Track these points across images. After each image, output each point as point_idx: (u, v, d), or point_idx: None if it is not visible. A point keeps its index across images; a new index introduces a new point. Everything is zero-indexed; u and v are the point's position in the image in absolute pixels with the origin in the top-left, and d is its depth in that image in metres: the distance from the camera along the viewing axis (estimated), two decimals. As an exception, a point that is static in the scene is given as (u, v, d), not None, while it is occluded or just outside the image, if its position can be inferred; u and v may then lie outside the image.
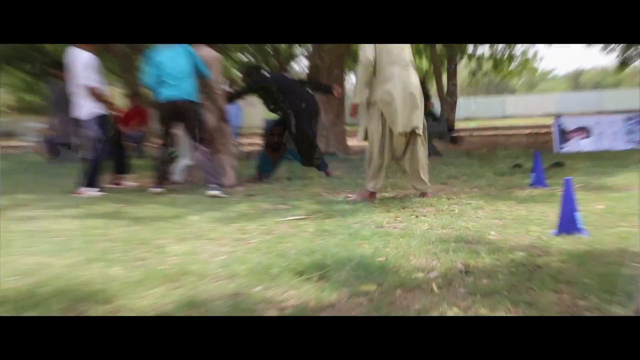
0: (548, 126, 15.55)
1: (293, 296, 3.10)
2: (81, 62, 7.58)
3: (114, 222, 5.45)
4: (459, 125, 31.45)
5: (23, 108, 45.19)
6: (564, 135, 11.53)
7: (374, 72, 6.15)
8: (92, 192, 7.51)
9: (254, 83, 9.32)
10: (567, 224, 4.18)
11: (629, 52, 25.67)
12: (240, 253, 4.06)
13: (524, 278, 3.22)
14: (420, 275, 3.36)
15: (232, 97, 9.51)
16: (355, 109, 6.37)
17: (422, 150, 6.26)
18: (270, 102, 9.23)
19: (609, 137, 11.35)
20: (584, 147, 11.24)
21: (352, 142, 14.25)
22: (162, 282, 3.43)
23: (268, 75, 9.67)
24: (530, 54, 32.18)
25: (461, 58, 30.89)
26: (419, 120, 6.16)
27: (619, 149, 11.00)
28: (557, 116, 12.36)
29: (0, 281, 3.57)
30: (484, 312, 2.74)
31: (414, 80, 6.31)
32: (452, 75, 29.20)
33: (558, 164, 8.61)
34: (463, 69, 35.70)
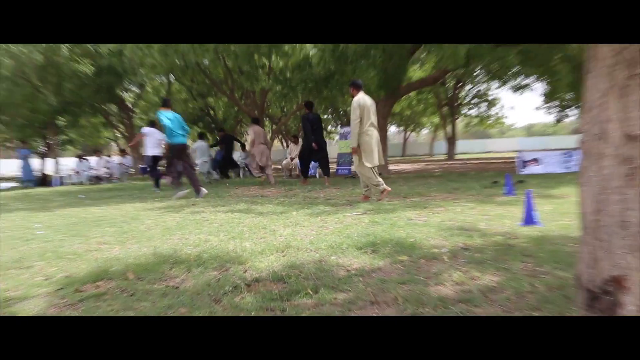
0: (513, 158, 15.23)
1: (355, 262, 3.06)
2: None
3: (246, 215, 5.50)
4: (458, 157, 31.09)
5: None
6: (524, 163, 11.26)
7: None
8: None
9: (310, 115, 9.86)
10: (529, 219, 4.06)
11: (562, 113, 24.71)
12: (322, 235, 4.02)
13: (502, 253, 3.10)
14: (436, 250, 3.26)
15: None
16: (355, 150, 6.40)
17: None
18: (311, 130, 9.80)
19: (552, 164, 11.10)
20: (537, 171, 10.98)
21: (391, 166, 14.19)
22: (275, 252, 3.43)
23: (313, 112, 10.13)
24: (500, 114, 32.03)
25: (458, 116, 30.64)
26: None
27: (559, 172, 10.74)
28: (519, 152, 12.05)
29: (182, 249, 3.65)
30: (477, 274, 2.63)
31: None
32: (453, 126, 28.93)
33: (521, 181, 8.35)
34: (460, 122, 35.32)
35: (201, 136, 13.57)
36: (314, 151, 9.88)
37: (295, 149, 13.69)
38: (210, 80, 19.51)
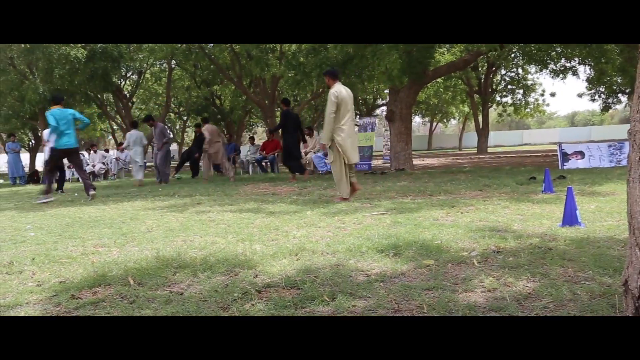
0: (554, 151, 15.09)
1: (376, 267, 3.09)
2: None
3: (256, 215, 5.57)
4: (490, 150, 30.87)
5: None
6: (565, 157, 11.17)
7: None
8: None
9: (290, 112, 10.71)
10: (570, 219, 4.04)
11: (610, 100, 24.41)
12: (340, 237, 4.06)
13: (539, 256, 3.11)
14: (464, 253, 3.28)
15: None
16: (324, 147, 6.77)
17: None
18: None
19: (598, 158, 10.99)
20: (580, 165, 10.88)
21: (416, 161, 14.16)
22: (287, 255, 3.48)
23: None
24: (539, 102, 31.54)
25: (491, 104, 30.38)
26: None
27: (605, 166, 10.63)
28: (560, 144, 11.94)
29: (187, 252, 3.72)
30: (510, 280, 2.64)
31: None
32: (485, 116, 28.73)
33: (562, 177, 8.30)
34: (493, 111, 35.05)
35: (134, 124, 13.15)
36: (294, 148, 10.63)
37: (309, 142, 13.75)
38: (216, 66, 19.63)
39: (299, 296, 2.56)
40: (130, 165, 20.63)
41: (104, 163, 17.80)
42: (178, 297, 2.67)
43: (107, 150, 20.13)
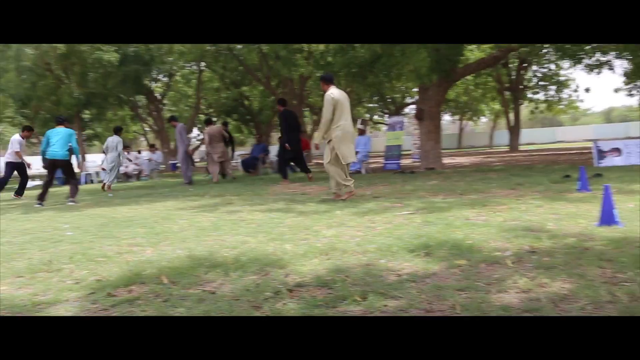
0: (589, 148, 14.77)
1: (407, 266, 3.07)
2: None
3: (286, 214, 5.59)
4: (522, 148, 30.37)
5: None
6: (601, 154, 10.90)
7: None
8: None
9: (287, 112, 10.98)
10: (607, 218, 3.94)
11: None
12: (370, 236, 4.05)
13: (575, 257, 3.04)
14: (498, 253, 3.23)
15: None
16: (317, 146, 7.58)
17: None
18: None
19: (636, 155, 10.68)
20: (617, 163, 10.60)
21: (446, 160, 14.03)
22: (318, 255, 3.48)
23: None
24: (574, 97, 30.81)
25: (523, 101, 29.87)
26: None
27: (644, 163, 10.33)
28: (596, 141, 11.66)
29: (219, 251, 3.76)
30: (545, 281, 2.59)
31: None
32: (516, 113, 28.27)
33: (598, 175, 8.10)
34: (525, 108, 34.47)
35: (117, 130, 13.05)
36: (288, 149, 10.80)
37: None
38: (244, 67, 19.79)
39: (330, 296, 2.56)
40: (162, 166, 21.01)
41: (136, 164, 18.11)
42: (210, 295, 2.70)
43: (139, 152, 20.46)
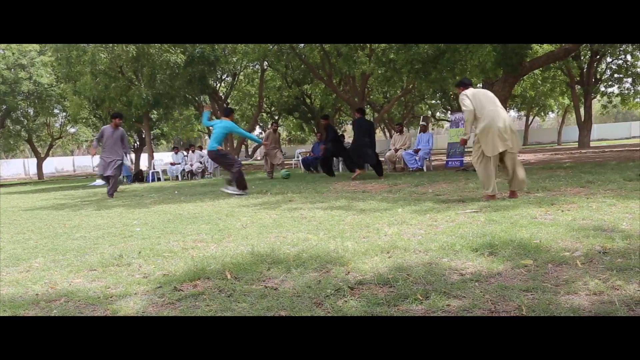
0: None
1: (470, 266, 3.01)
2: None
3: (346, 212, 5.59)
4: (593, 144, 29.05)
5: (293, 140, 48.71)
6: (682, 150, 10.27)
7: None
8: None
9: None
10: (688, 218, 3.69)
11: None
12: (432, 235, 3.99)
13: (652, 259, 2.87)
14: (566, 254, 3.11)
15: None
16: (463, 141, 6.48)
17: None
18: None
19: None
20: (700, 159, 9.94)
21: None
22: (379, 253, 3.47)
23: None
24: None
25: (595, 95, 28.53)
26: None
27: None
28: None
29: (281, 248, 3.81)
30: (619, 283, 2.47)
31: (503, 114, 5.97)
32: (588, 108, 27.04)
33: (677, 172, 7.62)
34: (597, 102, 32.96)
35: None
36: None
37: (399, 140, 13.61)
38: (307, 66, 19.94)
39: (392, 294, 2.55)
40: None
41: (200, 162, 18.62)
42: (273, 291, 2.74)
43: (200, 148, 21.02)
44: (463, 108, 5.99)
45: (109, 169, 10.19)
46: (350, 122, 37.64)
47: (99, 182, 11.89)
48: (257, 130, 31.66)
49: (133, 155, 21.46)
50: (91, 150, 10.47)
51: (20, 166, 44.85)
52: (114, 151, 10.30)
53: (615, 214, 4.40)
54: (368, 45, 15.96)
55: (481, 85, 15.35)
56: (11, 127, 30.83)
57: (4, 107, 27.11)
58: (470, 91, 6.06)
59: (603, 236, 3.50)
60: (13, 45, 25.65)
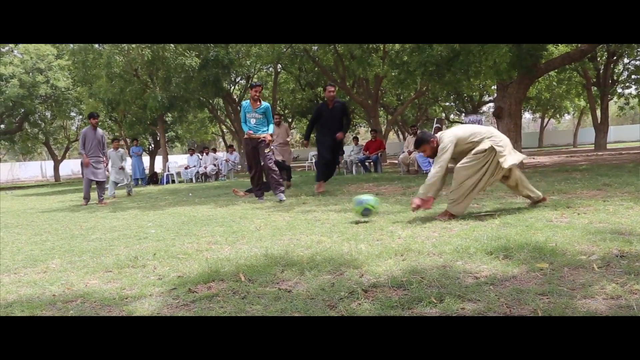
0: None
1: (485, 269, 2.98)
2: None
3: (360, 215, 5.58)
4: (610, 146, 28.73)
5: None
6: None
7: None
8: None
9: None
10: None
11: None
12: (446, 237, 3.97)
13: (670, 262, 2.83)
14: (583, 257, 3.07)
15: None
16: None
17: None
18: None
19: None
20: None
21: (526, 160, 13.45)
22: (393, 255, 3.46)
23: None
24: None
25: (612, 97, 28.22)
26: None
27: None
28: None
29: (294, 250, 3.82)
30: (638, 287, 2.44)
31: None
32: (604, 110, 26.75)
33: (696, 175, 7.50)
34: (613, 104, 32.61)
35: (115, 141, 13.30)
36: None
37: (413, 142, 13.57)
38: (320, 68, 19.98)
39: (406, 297, 2.54)
40: (239, 166, 21.58)
41: (214, 164, 18.73)
42: (286, 294, 2.75)
43: (214, 150, 21.13)
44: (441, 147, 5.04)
45: (99, 174, 10.23)
46: (364, 124, 37.60)
47: (111, 189, 11.94)
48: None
49: (129, 160, 21.55)
50: (84, 161, 10.11)
51: (37, 168, 45.47)
52: (98, 152, 10.30)
53: (632, 217, 4.34)
54: (382, 47, 15.92)
55: (495, 87, 15.25)
56: (29, 130, 31.27)
57: (22, 110, 27.49)
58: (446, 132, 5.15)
59: (620, 239, 3.45)
60: (31, 50, 26.03)
